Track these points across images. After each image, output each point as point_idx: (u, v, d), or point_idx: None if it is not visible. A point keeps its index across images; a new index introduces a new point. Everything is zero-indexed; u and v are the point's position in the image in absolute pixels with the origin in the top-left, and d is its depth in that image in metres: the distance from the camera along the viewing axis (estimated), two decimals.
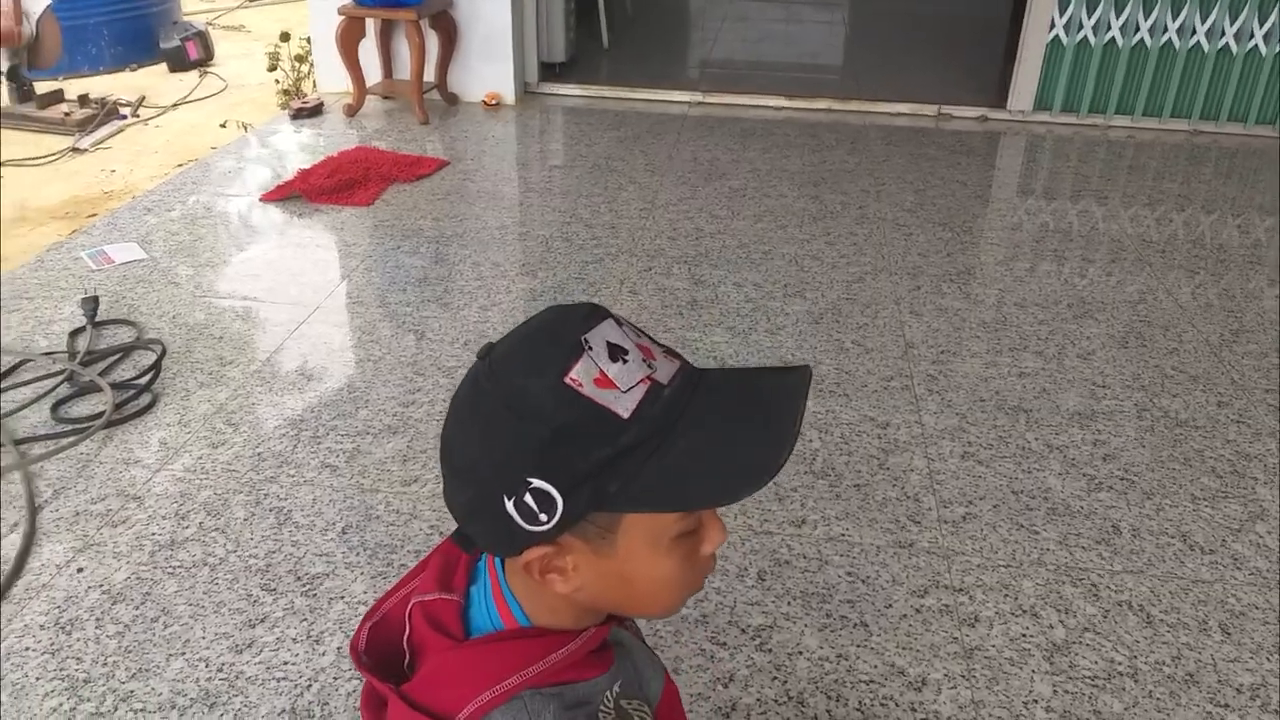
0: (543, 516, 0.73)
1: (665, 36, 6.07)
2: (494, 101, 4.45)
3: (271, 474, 2.04)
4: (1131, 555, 1.85)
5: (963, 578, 1.79)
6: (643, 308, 2.72)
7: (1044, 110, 4.45)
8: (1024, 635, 1.67)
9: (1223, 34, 4.23)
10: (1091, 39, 4.31)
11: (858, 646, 1.64)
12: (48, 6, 5.06)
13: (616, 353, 0.74)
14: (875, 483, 2.04)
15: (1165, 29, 4.26)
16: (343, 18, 4.08)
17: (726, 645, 1.64)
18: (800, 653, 1.63)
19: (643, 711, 0.87)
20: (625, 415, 0.72)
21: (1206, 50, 4.27)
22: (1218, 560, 1.84)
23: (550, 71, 4.76)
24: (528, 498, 0.73)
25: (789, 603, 1.73)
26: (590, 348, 0.73)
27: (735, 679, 1.58)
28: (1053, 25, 4.30)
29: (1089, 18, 4.27)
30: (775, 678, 1.58)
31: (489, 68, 4.42)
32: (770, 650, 1.64)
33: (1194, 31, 4.25)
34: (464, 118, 4.32)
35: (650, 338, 0.78)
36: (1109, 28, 4.28)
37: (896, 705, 1.54)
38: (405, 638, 0.85)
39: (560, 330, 0.75)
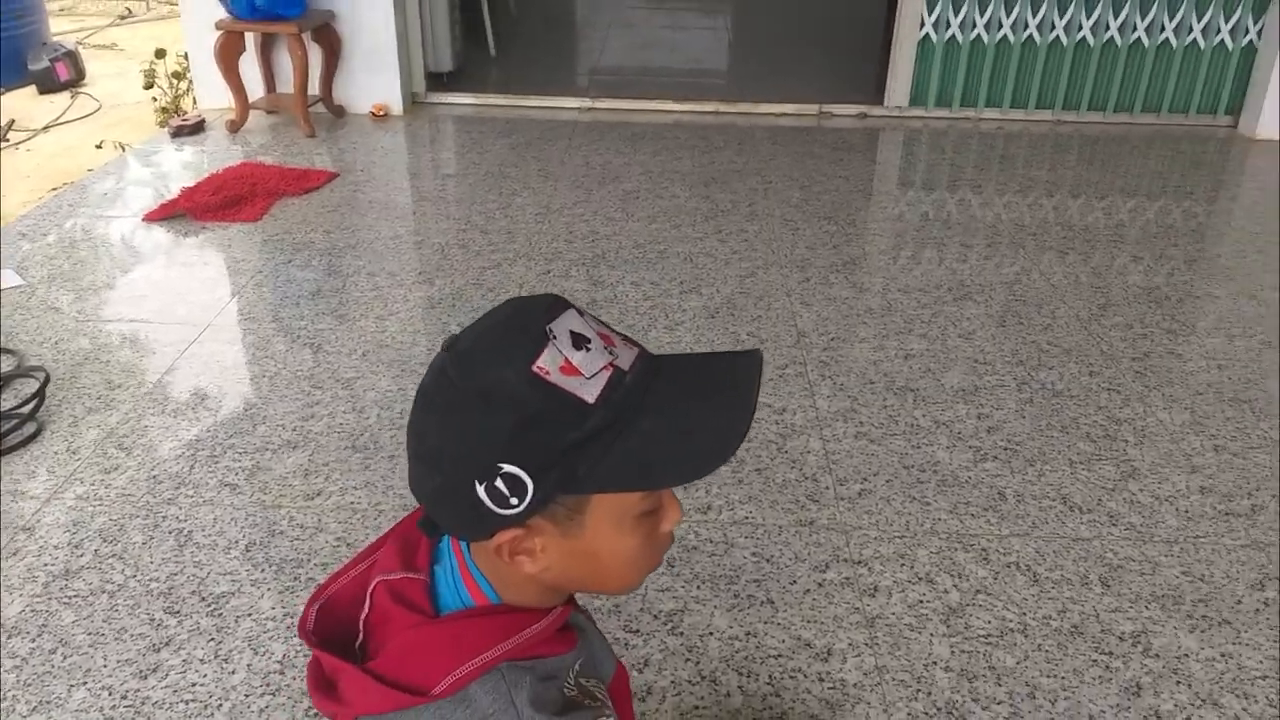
0: (513, 500, 0.76)
1: (552, 43, 6.10)
2: (382, 112, 4.41)
3: (169, 496, 1.99)
4: (1017, 519, 1.96)
5: (861, 550, 1.87)
6: None
7: (919, 106, 4.64)
8: (921, 601, 1.75)
9: (1080, 28, 4.48)
10: (959, 36, 4.51)
11: (765, 623, 1.70)
12: None
13: (580, 341, 0.77)
14: (775, 466, 2.11)
15: (1026, 25, 4.49)
16: (221, 32, 3.99)
17: (640, 632, 1.68)
18: (711, 633, 1.68)
19: (600, 689, 0.90)
20: (591, 400, 0.75)
21: (1065, 44, 4.51)
22: (1095, 519, 1.96)
23: (438, 81, 4.75)
24: (499, 482, 0.76)
25: (698, 586, 1.78)
26: (555, 337, 0.76)
27: (650, 664, 1.62)
28: (922, 24, 4.49)
29: (955, 16, 4.46)
30: (688, 659, 1.63)
31: (375, 78, 4.38)
32: (682, 633, 1.68)
33: (1053, 27, 4.48)
34: (352, 129, 4.28)
35: (609, 326, 0.81)
36: (974, 25, 4.49)
37: (805, 676, 1.60)
38: (364, 616, 0.87)
39: (525, 321, 0.78)
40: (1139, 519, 1.96)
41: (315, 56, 4.21)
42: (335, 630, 0.88)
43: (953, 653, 1.64)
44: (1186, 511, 1.98)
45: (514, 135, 4.26)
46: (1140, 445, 2.19)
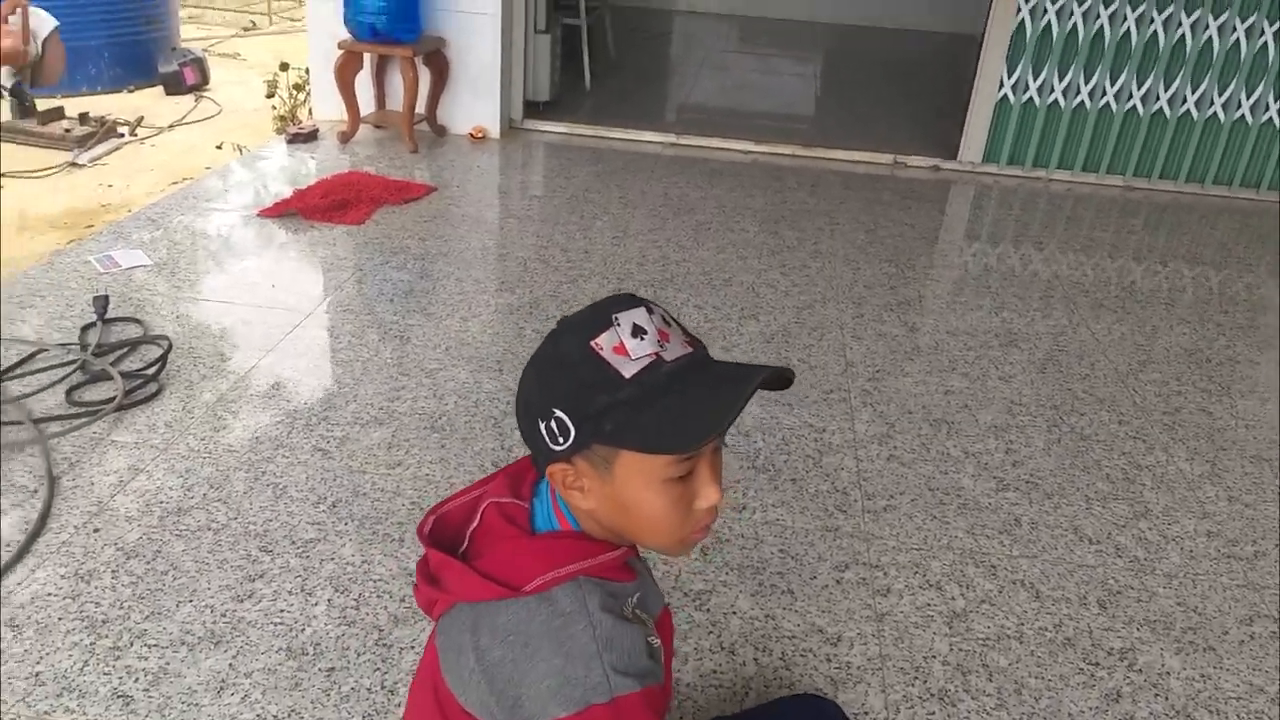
0: (561, 439, 1.00)
1: (645, 81, 6.40)
2: (480, 135, 4.73)
3: (269, 455, 2.26)
4: (1028, 543, 2.11)
5: (879, 557, 2.04)
6: None
7: (992, 162, 4.79)
8: (928, 604, 1.92)
9: (1156, 99, 4.60)
10: (1037, 99, 4.66)
11: (784, 609, 1.88)
12: (55, 28, 5.29)
13: (638, 331, 0.99)
14: (809, 478, 2.30)
15: (1104, 93, 4.62)
16: (342, 51, 4.35)
17: (670, 605, 1.87)
18: (734, 613, 1.87)
19: (649, 625, 1.10)
20: (627, 376, 0.97)
21: (1141, 114, 4.63)
22: (1102, 549, 2.10)
23: (535, 109, 5.06)
24: (553, 424, 1.00)
25: (727, 573, 1.97)
26: (618, 324, 0.99)
27: (676, 632, 1.81)
28: (1001, 85, 4.66)
29: (1034, 80, 4.62)
30: (711, 632, 1.82)
31: (477, 103, 4.71)
32: (708, 610, 1.87)
33: (1130, 96, 4.61)
34: (451, 149, 4.60)
35: (681, 328, 1.03)
36: (1052, 90, 4.64)
37: (814, 656, 1.78)
38: (472, 529, 1.10)
39: (602, 308, 1.01)
40: (1143, 553, 2.10)
41: (424, 79, 4.55)
42: (444, 538, 1.11)
43: (951, 649, 1.80)
44: (1190, 551, 2.11)
45: (600, 164, 4.53)
46: (1157, 490, 2.33)
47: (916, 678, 1.74)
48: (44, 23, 5.33)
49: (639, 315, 1.01)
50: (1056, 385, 2.79)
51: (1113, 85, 4.60)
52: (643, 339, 0.99)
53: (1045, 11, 4.50)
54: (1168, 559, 2.08)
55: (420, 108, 4.58)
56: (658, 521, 1.03)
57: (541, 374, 1.03)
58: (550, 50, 4.97)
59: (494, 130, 4.76)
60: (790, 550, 2.05)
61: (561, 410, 1.00)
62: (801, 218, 4.01)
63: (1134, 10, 4.45)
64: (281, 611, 1.82)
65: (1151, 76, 4.56)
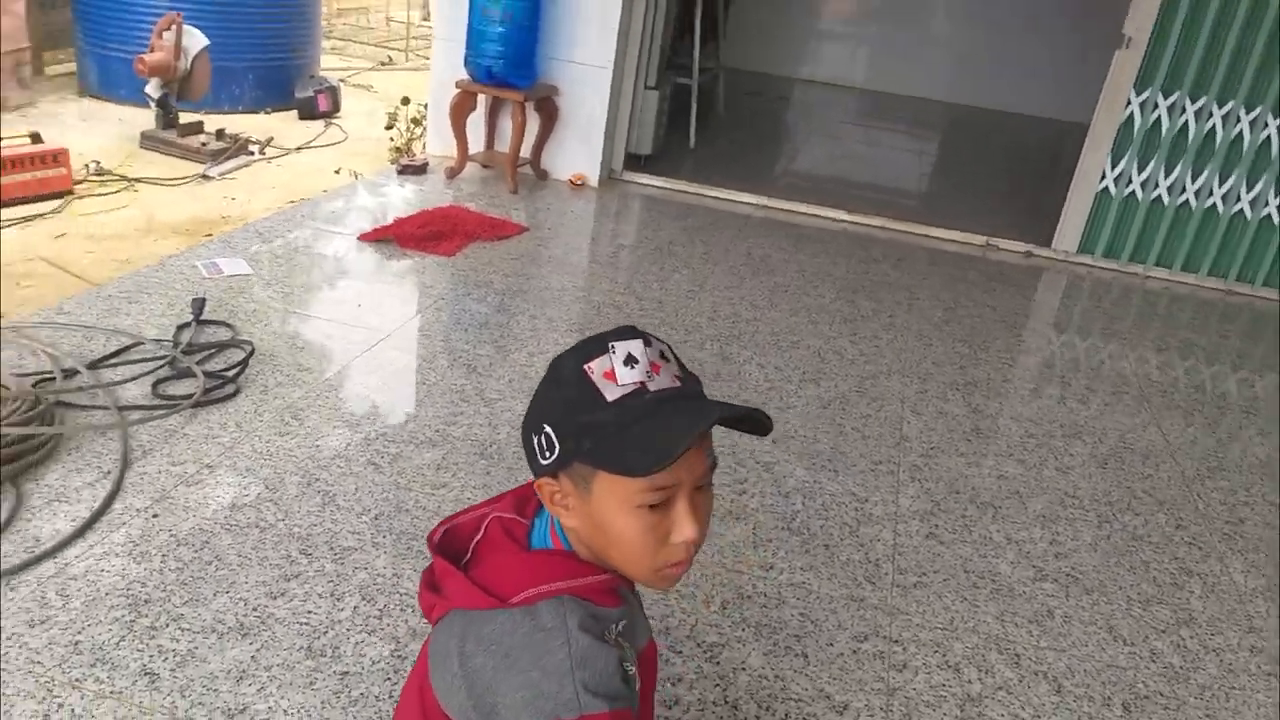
0: (548, 453, 1.08)
1: (749, 143, 6.49)
2: (579, 182, 4.88)
3: (324, 463, 2.37)
4: (1058, 636, 2.06)
5: (901, 632, 2.02)
6: None
7: (1086, 253, 4.71)
8: (944, 685, 1.89)
9: (1266, 204, 4.46)
10: (1139, 194, 4.58)
11: (795, 672, 1.88)
12: (204, 47, 5.71)
13: (630, 360, 1.06)
14: (843, 546, 2.29)
15: (1210, 193, 4.51)
16: (458, 90, 4.57)
17: (681, 653, 1.90)
18: (743, 669, 1.88)
19: (631, 654, 1.15)
20: (609, 399, 1.05)
21: (1249, 217, 4.50)
22: (1136, 652, 2.04)
23: (635, 161, 5.20)
24: (542, 438, 1.08)
25: (743, 629, 1.98)
26: (614, 351, 1.06)
27: (683, 680, 1.83)
28: (1104, 176, 4.59)
29: (1139, 174, 4.54)
30: (718, 685, 1.83)
31: (580, 151, 4.87)
32: (718, 663, 1.88)
33: (1238, 199, 4.49)
34: (550, 193, 4.76)
35: (678, 364, 1.09)
36: (1156, 186, 4.55)
37: None
38: (476, 541, 1.18)
39: (605, 337, 1.08)
40: (1179, 661, 2.02)
41: (534, 124, 4.74)
42: (451, 548, 1.19)
43: None
44: (1230, 664, 2.03)
45: (689, 219, 4.62)
46: (1205, 598, 2.24)
47: None
48: (196, 41, 5.75)
49: (635, 346, 1.07)
50: (1115, 482, 2.72)
51: (1220, 186, 4.49)
52: (633, 368, 1.06)
53: (1156, 106, 4.43)
54: (1205, 669, 2.01)
55: (526, 151, 4.77)
56: (630, 546, 1.08)
57: (541, 391, 1.11)
58: (657, 106, 5.12)
59: (593, 179, 4.91)
60: (811, 614, 2.05)
61: (549, 426, 1.08)
62: (881, 290, 4.01)
63: (1249, 113, 4.35)
64: (309, 613, 1.90)
65: (1262, 182, 4.43)
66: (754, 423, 1.10)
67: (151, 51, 5.51)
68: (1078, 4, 7.79)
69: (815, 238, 4.60)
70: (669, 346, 1.12)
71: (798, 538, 2.30)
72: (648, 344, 1.08)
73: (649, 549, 1.08)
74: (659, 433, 1.02)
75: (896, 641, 2.00)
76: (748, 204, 4.99)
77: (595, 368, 1.06)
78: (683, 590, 2.07)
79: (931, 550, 2.32)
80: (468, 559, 1.18)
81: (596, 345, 1.08)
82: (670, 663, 1.87)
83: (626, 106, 4.94)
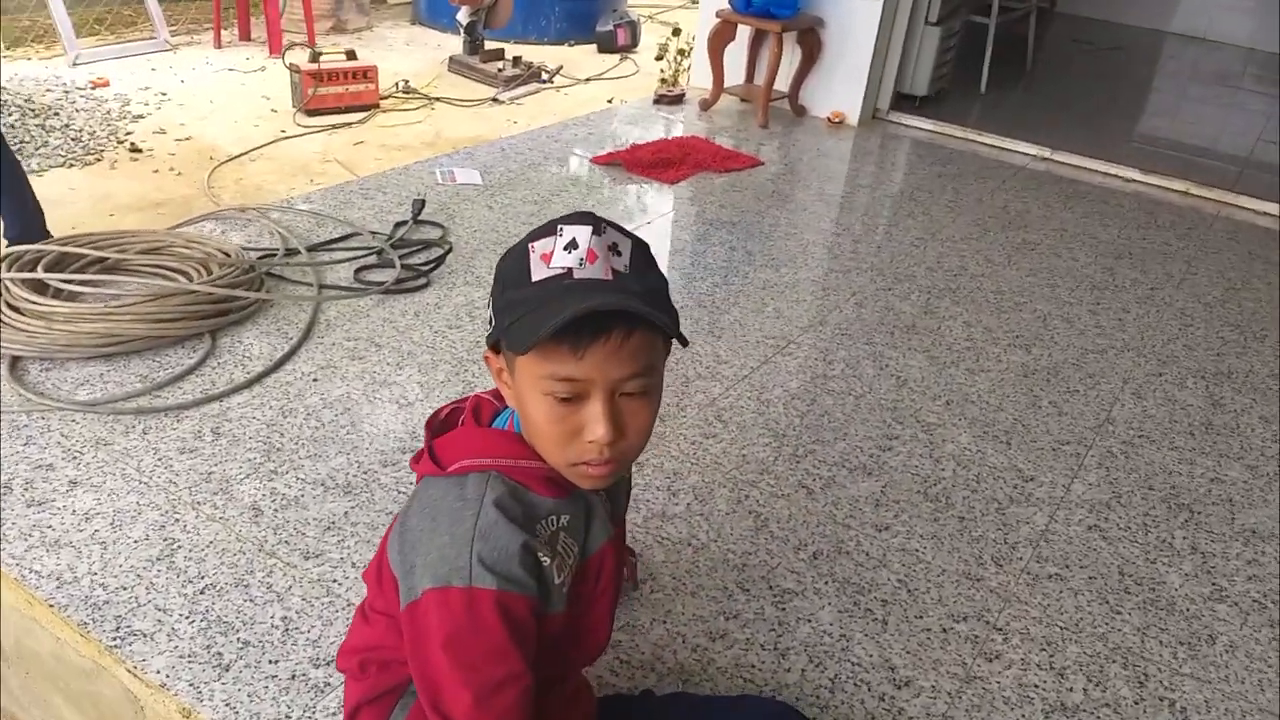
0: (489, 326, 1.07)
1: (1055, 92, 5.86)
2: (838, 120, 4.66)
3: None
4: (1210, 665, 1.72)
5: (1009, 622, 1.78)
6: (859, 319, 2.84)
7: None
8: (1036, 686, 1.65)
9: None
10: None
11: (865, 635, 1.72)
12: None
13: (571, 245, 1.02)
14: (981, 521, 2.05)
15: None
16: (718, 20, 4.50)
17: (748, 591, 1.80)
18: (809, 620, 1.74)
19: (572, 552, 1.13)
20: (534, 279, 1.02)
21: None
22: None
23: (908, 102, 4.87)
24: (490, 312, 1.08)
25: (826, 583, 1.83)
26: (560, 234, 1.03)
27: (739, 617, 1.73)
28: None
29: None
30: (773, 630, 1.71)
31: (842, 88, 4.64)
32: (783, 609, 1.76)
33: None
34: (803, 130, 4.58)
35: (629, 255, 1.03)
36: None
37: (869, 690, 1.61)
38: (461, 419, 1.22)
39: (560, 219, 1.05)
40: None
41: (795, 57, 4.57)
42: (452, 424, 1.21)
43: None
44: None
45: (949, 165, 4.27)
46: None
47: None
48: None
49: (580, 231, 1.03)
50: None
51: None
52: (570, 253, 1.01)
53: None
54: None
55: (784, 85, 4.62)
56: (539, 432, 1.06)
57: (498, 264, 1.09)
58: (939, 44, 4.75)
59: (853, 117, 4.66)
60: (911, 583, 1.85)
61: (492, 298, 1.08)
62: (1151, 259, 3.49)
63: None
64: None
65: None
66: (654, 324, 1.02)
67: None
68: None
69: (1091, 196, 4.09)
70: (635, 243, 1.06)
71: (931, 504, 2.08)
72: (598, 232, 1.03)
73: (556, 440, 1.06)
74: (546, 315, 0.98)
75: (1000, 630, 1.76)
76: (1023, 154, 4.52)
77: (538, 247, 1.03)
78: (775, 532, 1.95)
79: (1088, 543, 2.01)
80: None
81: (549, 226, 1.05)
82: (733, 598, 1.77)
83: (898, 44, 4.63)
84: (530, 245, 1.03)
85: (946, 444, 2.30)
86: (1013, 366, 2.68)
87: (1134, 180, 4.31)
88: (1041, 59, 6.43)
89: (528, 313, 1.00)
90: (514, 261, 1.05)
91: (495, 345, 1.09)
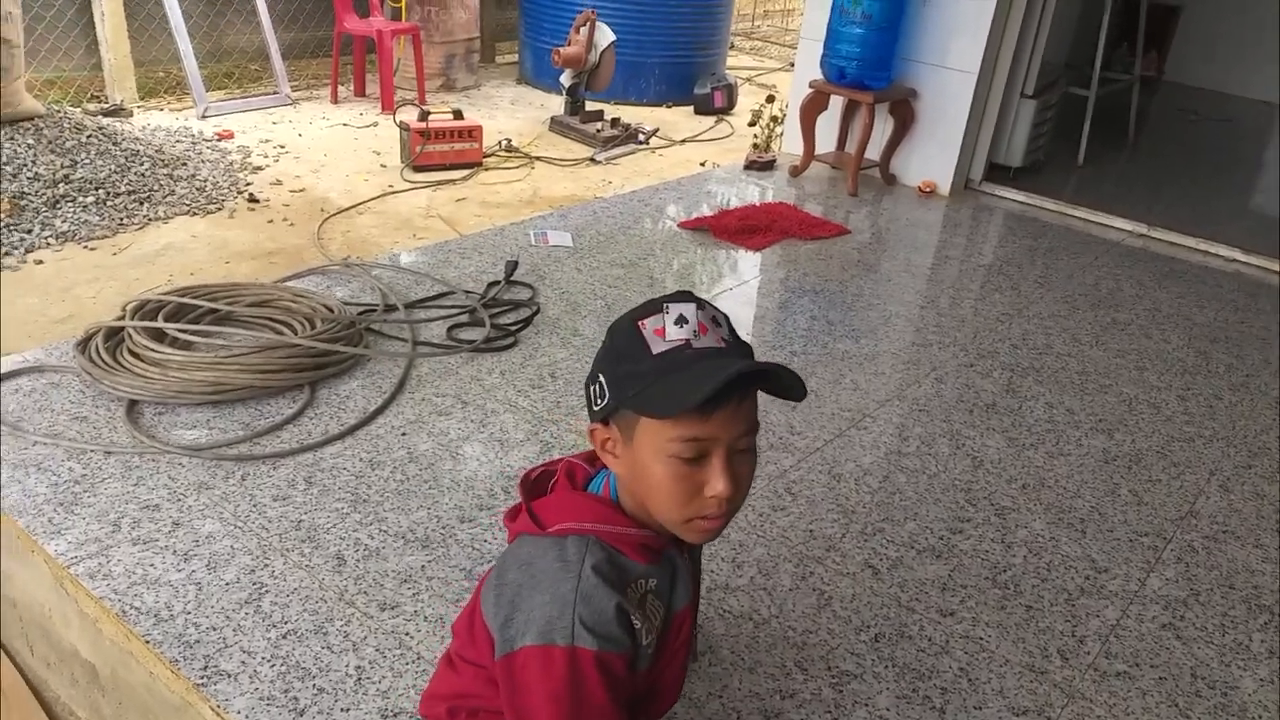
0: (599, 400, 1.18)
1: (1158, 165, 5.75)
2: (928, 189, 4.67)
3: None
4: None
5: (1072, 719, 1.76)
6: (939, 395, 2.84)
7: None
8: None
9: None
10: None
11: None
12: (611, 42, 6.24)
13: (680, 320, 1.14)
14: (1049, 612, 2.03)
15: None
16: (811, 90, 4.58)
17: (806, 671, 1.82)
18: (865, 704, 1.75)
19: (658, 614, 1.23)
20: (654, 352, 1.13)
21: None
22: None
23: (1004, 173, 4.86)
24: (596, 386, 1.18)
25: (886, 667, 1.84)
26: (667, 311, 1.15)
27: (794, 696, 1.75)
28: None
29: None
30: (829, 712, 1.73)
31: (934, 158, 4.66)
32: (841, 691, 1.78)
33: None
34: (892, 199, 4.61)
35: (728, 328, 1.16)
36: None
37: None
38: (552, 483, 1.32)
39: (661, 299, 1.17)
40: None
41: (887, 126, 4.61)
42: (539, 488, 1.32)
43: None
44: None
45: (1040, 239, 4.24)
46: None
47: None
48: (605, 36, 6.32)
49: (687, 308, 1.14)
50: None
51: None
52: (682, 327, 1.13)
53: None
54: None
55: (876, 154, 4.66)
56: (660, 491, 1.15)
57: (601, 346, 1.20)
58: (1035, 116, 4.74)
59: (944, 187, 4.67)
60: (972, 672, 1.85)
61: (602, 375, 1.17)
62: (1249, 344, 3.40)
63: None
64: (484, 541, 2.07)
65: None
66: (780, 383, 1.13)
67: (567, 45, 6.13)
68: None
69: (1188, 275, 4.00)
70: (725, 316, 1.17)
71: (999, 591, 2.07)
72: (700, 308, 1.14)
73: (679, 498, 1.14)
74: (689, 381, 1.08)
75: None
76: (1119, 229, 4.45)
77: (648, 324, 1.14)
78: (838, 611, 1.97)
79: (1161, 642, 1.97)
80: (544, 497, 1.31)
81: (653, 306, 1.15)
82: (791, 676, 1.79)
83: (993, 115, 4.63)
84: (640, 323, 1.14)
85: (1019, 529, 2.29)
86: (1093, 451, 2.64)
87: (1235, 260, 4.21)
88: (1145, 130, 6.32)
89: (657, 380, 1.10)
90: (625, 339, 1.15)
91: (605, 418, 1.18)
